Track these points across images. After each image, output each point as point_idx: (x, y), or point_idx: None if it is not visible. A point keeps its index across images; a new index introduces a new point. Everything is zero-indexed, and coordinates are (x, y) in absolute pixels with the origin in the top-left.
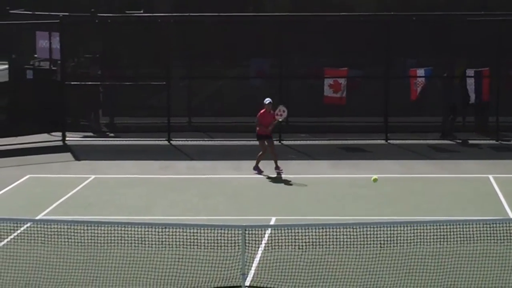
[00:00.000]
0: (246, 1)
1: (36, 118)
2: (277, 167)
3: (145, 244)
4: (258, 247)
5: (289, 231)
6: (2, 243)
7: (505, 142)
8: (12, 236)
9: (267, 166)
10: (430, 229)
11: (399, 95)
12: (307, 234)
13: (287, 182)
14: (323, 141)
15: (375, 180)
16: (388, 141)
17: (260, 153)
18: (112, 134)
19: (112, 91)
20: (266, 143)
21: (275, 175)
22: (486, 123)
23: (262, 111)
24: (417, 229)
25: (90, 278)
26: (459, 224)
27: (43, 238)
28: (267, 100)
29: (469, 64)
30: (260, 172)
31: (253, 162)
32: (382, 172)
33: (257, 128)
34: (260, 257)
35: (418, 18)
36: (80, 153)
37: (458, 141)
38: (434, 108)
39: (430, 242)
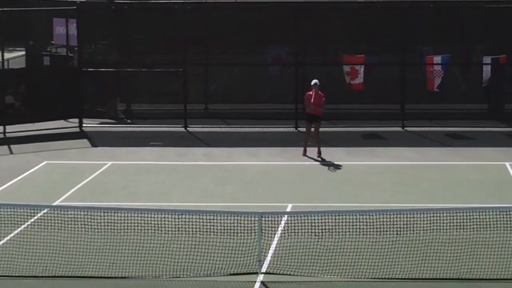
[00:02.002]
0: None
1: (53, 105)
2: (319, 152)
3: (161, 230)
4: (275, 234)
5: (306, 218)
6: (20, 229)
7: None
8: (29, 222)
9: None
10: (446, 216)
11: (416, 82)
12: (323, 221)
13: (303, 169)
14: (340, 128)
15: None
16: (405, 128)
17: (306, 139)
18: (129, 121)
19: (129, 78)
20: (313, 126)
21: (320, 161)
22: (502, 110)
23: (309, 92)
24: (433, 217)
25: (107, 264)
26: (476, 212)
27: (60, 224)
28: (314, 82)
29: (486, 51)
30: (308, 157)
31: (269, 149)
32: (398, 159)
33: (309, 109)
34: (277, 244)
35: (435, 5)
36: (97, 140)
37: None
38: (451, 95)
39: (446, 229)
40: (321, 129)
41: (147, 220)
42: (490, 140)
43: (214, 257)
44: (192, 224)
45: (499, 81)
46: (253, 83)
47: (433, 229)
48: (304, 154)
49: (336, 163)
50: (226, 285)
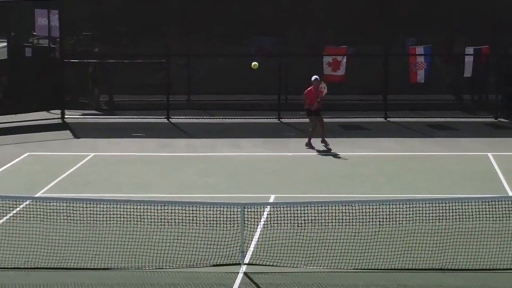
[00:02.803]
0: None
1: (35, 96)
2: (323, 141)
3: (144, 221)
4: (257, 225)
5: (288, 209)
6: (1, 220)
7: (504, 120)
8: (11, 214)
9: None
10: (429, 207)
11: (398, 73)
12: (306, 211)
13: (286, 160)
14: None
15: (255, 66)
16: (387, 119)
17: (311, 129)
18: (105, 107)
19: (112, 69)
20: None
21: (324, 150)
22: (485, 101)
23: (310, 88)
24: (416, 207)
25: (89, 255)
26: (458, 202)
27: (42, 216)
28: (315, 77)
29: (468, 41)
30: (312, 147)
31: (251, 140)
32: (381, 150)
33: (310, 105)
34: (259, 235)
35: None
36: (79, 131)
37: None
38: (433, 86)
39: (429, 220)
40: (303, 120)
41: (130, 211)
42: (473, 131)
43: (197, 248)
44: (175, 215)
45: (483, 72)
46: (236, 74)
47: (415, 220)
48: (308, 143)
49: (318, 154)
50: (209, 276)
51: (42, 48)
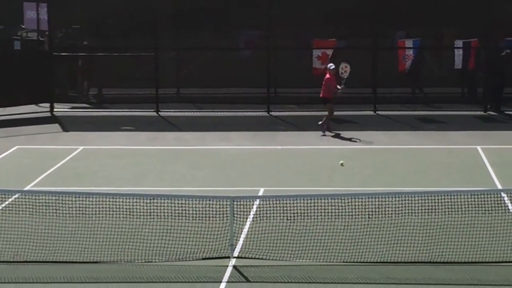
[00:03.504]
0: None
1: (23, 89)
2: (324, 125)
3: (133, 215)
4: (247, 218)
5: (278, 202)
6: None
7: (492, 113)
8: (0, 207)
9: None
10: (418, 199)
11: (388, 66)
12: (295, 205)
13: (275, 153)
14: (312, 112)
15: (342, 164)
16: (377, 112)
17: (327, 114)
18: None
19: (101, 62)
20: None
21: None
22: (474, 94)
23: (328, 76)
24: (405, 200)
25: (78, 249)
26: (447, 195)
27: (31, 209)
28: (331, 66)
29: (458, 35)
30: (331, 130)
31: (241, 133)
32: (370, 143)
33: (326, 93)
34: (249, 228)
35: None
36: (68, 124)
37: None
38: (423, 80)
39: (418, 212)
40: (293, 113)
41: (119, 204)
42: (461, 124)
43: (186, 242)
44: (164, 209)
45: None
46: (225, 67)
47: (404, 213)
48: (329, 131)
49: (308, 147)
50: (198, 269)
51: (31, 41)
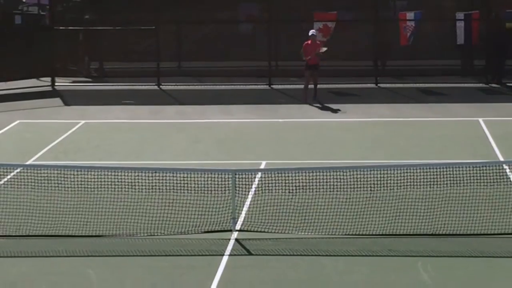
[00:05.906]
0: None
1: (25, 64)
2: (315, 96)
3: (135, 188)
4: (248, 191)
5: (279, 175)
6: None
7: (494, 85)
8: (2, 182)
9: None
10: (420, 172)
11: (390, 39)
12: (297, 178)
13: (276, 126)
14: (313, 85)
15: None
16: (378, 85)
17: (304, 85)
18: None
19: (102, 36)
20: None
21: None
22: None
23: (307, 42)
24: (407, 172)
25: (80, 222)
26: (449, 167)
27: (33, 183)
28: (311, 32)
29: (459, 7)
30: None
31: (242, 106)
32: (372, 116)
33: (307, 58)
34: (250, 201)
35: None
36: (69, 98)
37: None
38: (424, 52)
39: (420, 185)
40: (294, 86)
41: (121, 178)
42: (463, 96)
43: (188, 215)
44: (166, 182)
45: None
46: (226, 40)
47: (406, 185)
48: (306, 101)
49: (309, 120)
50: (200, 243)
51: (31, 15)
